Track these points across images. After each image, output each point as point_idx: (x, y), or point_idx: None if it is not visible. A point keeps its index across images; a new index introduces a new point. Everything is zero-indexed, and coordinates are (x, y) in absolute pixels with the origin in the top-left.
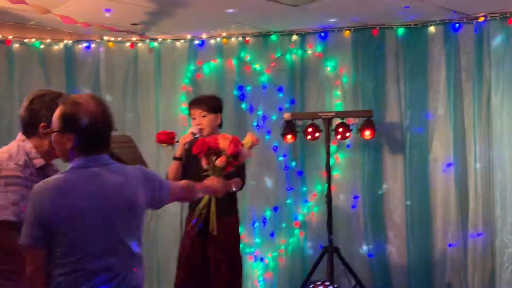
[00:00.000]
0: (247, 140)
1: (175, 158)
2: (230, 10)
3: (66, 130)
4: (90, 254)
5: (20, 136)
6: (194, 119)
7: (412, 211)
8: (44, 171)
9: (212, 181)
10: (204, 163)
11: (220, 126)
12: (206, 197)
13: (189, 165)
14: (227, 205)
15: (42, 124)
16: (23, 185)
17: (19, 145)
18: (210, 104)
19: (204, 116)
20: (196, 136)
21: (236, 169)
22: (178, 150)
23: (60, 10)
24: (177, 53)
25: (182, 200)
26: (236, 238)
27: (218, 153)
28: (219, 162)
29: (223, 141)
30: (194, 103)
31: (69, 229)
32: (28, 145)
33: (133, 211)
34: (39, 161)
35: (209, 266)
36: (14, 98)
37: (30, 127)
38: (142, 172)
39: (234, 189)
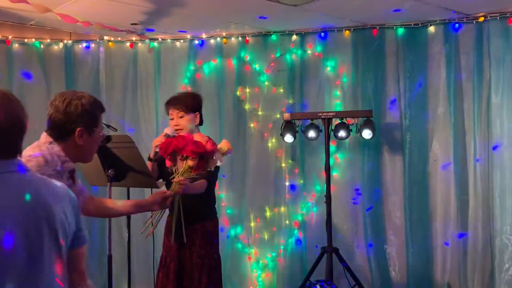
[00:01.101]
0: (223, 145)
1: (149, 159)
2: (230, 10)
3: None
4: None
5: (45, 137)
6: (171, 119)
7: (412, 211)
8: (72, 175)
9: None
10: (168, 164)
11: (201, 123)
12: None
13: (164, 165)
14: (203, 209)
15: (79, 129)
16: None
17: (48, 148)
18: (188, 103)
19: (181, 117)
20: (172, 137)
21: (203, 173)
22: (152, 151)
23: (60, 9)
24: (177, 53)
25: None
26: (213, 242)
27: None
28: (191, 162)
29: (200, 140)
30: (171, 103)
31: None
32: (56, 148)
33: None
34: (70, 165)
35: (185, 270)
36: None
37: (63, 130)
38: None
39: (197, 192)
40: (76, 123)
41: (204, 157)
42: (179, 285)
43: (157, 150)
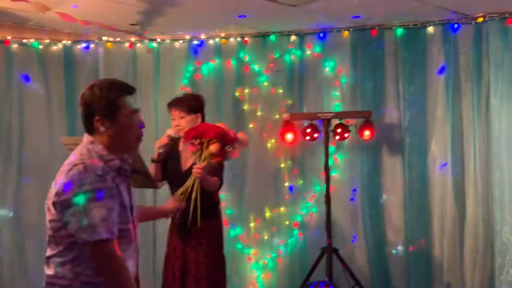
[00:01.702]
0: (241, 136)
1: (152, 161)
2: (229, 10)
3: None
4: None
5: (86, 138)
6: (173, 120)
7: (411, 211)
8: (121, 171)
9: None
10: (191, 149)
11: None
12: (190, 180)
13: (169, 165)
14: (208, 208)
15: (96, 119)
16: (108, 196)
17: (89, 149)
18: (189, 104)
19: (182, 118)
20: (174, 137)
21: (217, 166)
22: (155, 153)
23: (60, 9)
24: (176, 53)
25: None
26: (218, 241)
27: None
28: (214, 148)
29: (219, 128)
30: (173, 104)
31: None
32: (98, 146)
33: None
34: (115, 163)
35: (190, 270)
36: (12, 99)
37: (88, 125)
38: None
39: (211, 188)
40: (92, 113)
41: (225, 145)
42: (184, 284)
43: (161, 151)
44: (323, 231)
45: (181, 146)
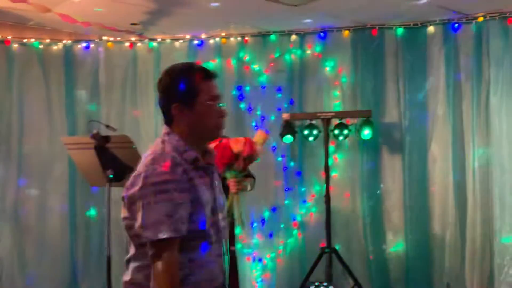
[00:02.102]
0: (258, 137)
1: None
2: (230, 10)
3: None
4: None
5: (163, 129)
6: None
7: (411, 211)
8: (199, 164)
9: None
10: (220, 171)
11: None
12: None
13: None
14: None
15: (173, 105)
16: (175, 190)
17: (164, 140)
18: None
19: None
20: None
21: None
22: None
23: (60, 9)
24: (176, 53)
25: None
26: (231, 238)
27: (234, 157)
28: (237, 166)
29: (236, 145)
30: None
31: None
32: (174, 137)
33: None
34: (190, 154)
35: None
36: (13, 98)
37: (165, 113)
38: None
39: (249, 188)
40: (170, 99)
41: (244, 158)
42: None
43: None
44: (322, 231)
45: None
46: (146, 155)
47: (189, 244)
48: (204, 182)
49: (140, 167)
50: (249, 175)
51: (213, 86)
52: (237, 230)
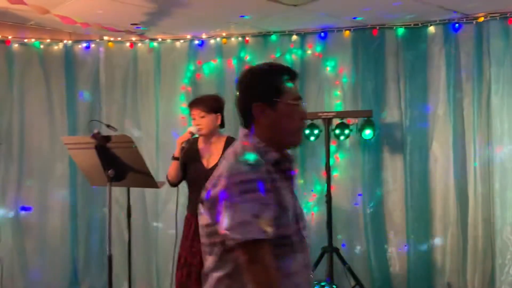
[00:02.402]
0: None
1: (174, 158)
2: (231, 10)
3: None
4: None
5: (241, 131)
6: (194, 119)
7: (412, 211)
8: (280, 166)
9: None
10: None
11: (222, 126)
12: None
13: (189, 164)
14: None
15: (255, 104)
16: (261, 190)
17: (244, 141)
18: (209, 104)
19: (202, 117)
20: (195, 135)
21: None
22: (176, 150)
23: (59, 10)
24: (176, 53)
25: None
26: None
27: None
28: None
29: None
30: (194, 103)
31: None
32: (255, 139)
33: None
34: (273, 155)
35: None
36: (13, 98)
37: (245, 112)
38: None
39: None
40: (252, 99)
41: None
42: (202, 281)
43: (184, 145)
44: (324, 230)
45: (200, 144)
46: (226, 157)
47: (274, 252)
48: (286, 186)
49: (221, 168)
50: None
51: (296, 86)
52: None
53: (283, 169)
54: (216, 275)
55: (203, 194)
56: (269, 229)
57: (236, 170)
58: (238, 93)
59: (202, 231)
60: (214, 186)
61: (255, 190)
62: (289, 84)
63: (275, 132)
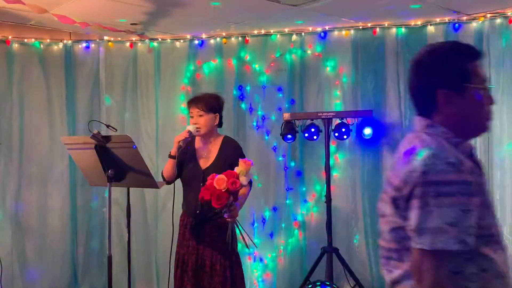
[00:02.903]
0: (241, 167)
1: (170, 156)
2: (230, 10)
3: None
4: None
5: (419, 122)
6: (192, 117)
7: None
8: (473, 158)
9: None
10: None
11: (220, 125)
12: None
13: (185, 164)
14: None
15: (440, 91)
16: (463, 193)
17: (429, 133)
18: (208, 103)
19: (201, 116)
20: (193, 135)
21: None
22: (173, 148)
23: (59, 10)
24: (176, 53)
25: None
26: (233, 238)
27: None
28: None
29: (221, 184)
30: (192, 102)
31: None
32: (441, 129)
33: None
34: (466, 146)
35: (205, 266)
36: (13, 98)
37: (426, 100)
38: None
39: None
40: (436, 84)
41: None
42: (198, 282)
43: (181, 144)
44: (323, 230)
45: (197, 144)
46: (412, 150)
47: (479, 252)
48: (484, 182)
49: (414, 162)
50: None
51: (482, 67)
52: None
53: (476, 161)
54: (408, 283)
55: (391, 192)
56: (469, 239)
57: (433, 168)
58: (414, 76)
59: (388, 235)
60: (406, 183)
61: (455, 194)
62: (476, 65)
63: (462, 121)
